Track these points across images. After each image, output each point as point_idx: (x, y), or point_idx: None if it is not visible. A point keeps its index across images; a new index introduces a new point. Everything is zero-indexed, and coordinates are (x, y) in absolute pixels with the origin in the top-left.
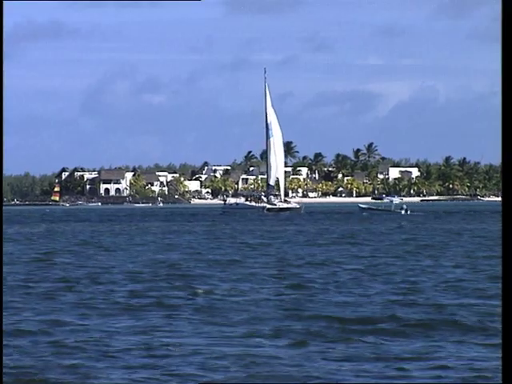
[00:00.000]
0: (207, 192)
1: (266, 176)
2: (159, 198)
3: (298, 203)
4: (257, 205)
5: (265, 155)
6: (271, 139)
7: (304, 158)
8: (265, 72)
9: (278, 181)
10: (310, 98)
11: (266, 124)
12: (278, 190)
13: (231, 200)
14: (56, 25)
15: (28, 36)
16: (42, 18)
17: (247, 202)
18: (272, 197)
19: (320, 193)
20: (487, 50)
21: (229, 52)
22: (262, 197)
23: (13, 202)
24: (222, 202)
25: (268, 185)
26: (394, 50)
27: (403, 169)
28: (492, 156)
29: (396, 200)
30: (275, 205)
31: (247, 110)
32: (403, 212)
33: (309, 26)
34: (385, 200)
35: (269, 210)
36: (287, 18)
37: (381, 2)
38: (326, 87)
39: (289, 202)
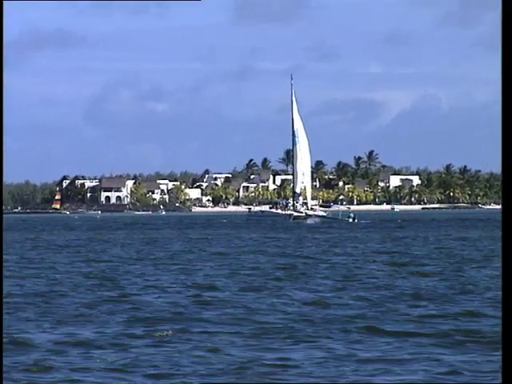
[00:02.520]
0: (208, 200)
1: (266, 184)
2: (161, 206)
3: (325, 211)
4: (283, 212)
5: (266, 163)
6: (297, 146)
7: None
8: (291, 79)
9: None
10: (314, 107)
11: (293, 131)
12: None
13: (256, 207)
14: (62, 33)
15: (34, 44)
16: (48, 26)
17: (273, 210)
18: (298, 204)
19: (321, 201)
20: (494, 58)
21: (233, 60)
22: (289, 204)
23: (16, 210)
24: (247, 210)
25: (294, 192)
26: (400, 58)
27: (404, 177)
28: (493, 164)
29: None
30: (301, 212)
31: (250, 118)
32: (351, 220)
33: (313, 34)
34: (333, 208)
35: (295, 217)
36: (292, 27)
37: (387, 10)
38: (331, 96)
39: (315, 210)
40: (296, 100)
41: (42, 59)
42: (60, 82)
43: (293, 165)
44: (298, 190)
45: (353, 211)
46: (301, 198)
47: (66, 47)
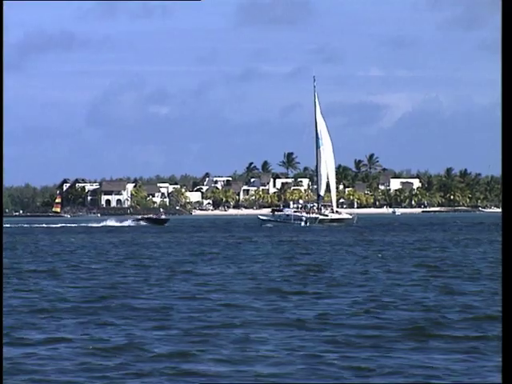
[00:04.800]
0: (208, 203)
1: (267, 187)
2: (161, 210)
3: (350, 214)
4: (308, 215)
5: (266, 166)
6: (321, 148)
7: (305, 169)
8: (314, 81)
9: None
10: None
11: (316, 133)
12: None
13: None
14: (66, 36)
15: (38, 47)
16: (52, 28)
17: (297, 213)
18: (323, 207)
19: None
20: (497, 62)
21: (237, 63)
22: (314, 207)
23: (17, 214)
24: (271, 213)
25: (318, 195)
26: (403, 61)
27: (404, 180)
28: (493, 167)
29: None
30: (327, 215)
31: (252, 121)
32: (302, 224)
33: (317, 37)
34: (285, 211)
35: (321, 221)
36: (296, 30)
37: (392, 13)
38: (333, 99)
39: (340, 213)
40: (319, 102)
41: (46, 62)
42: (63, 85)
43: (316, 167)
44: (321, 193)
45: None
46: (300, 201)
47: (70, 50)
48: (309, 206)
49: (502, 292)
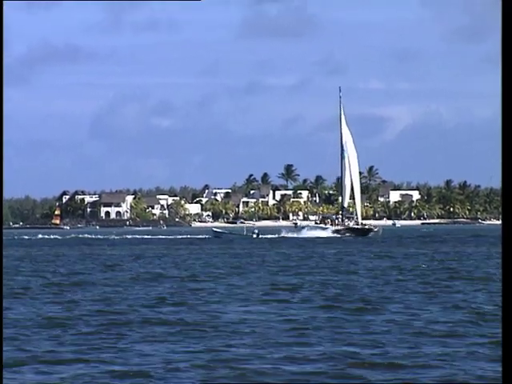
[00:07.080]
0: (208, 215)
1: (266, 199)
2: (161, 221)
3: (375, 226)
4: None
5: (266, 178)
6: (346, 159)
7: (305, 181)
8: (340, 91)
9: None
10: (318, 122)
11: (341, 144)
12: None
13: (303, 222)
14: (72, 48)
15: (43, 59)
16: (57, 41)
17: (322, 225)
18: (346, 219)
19: (321, 216)
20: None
21: (241, 75)
22: (339, 219)
23: (17, 225)
24: (293, 225)
25: (342, 207)
26: (407, 74)
27: (404, 192)
28: (495, 179)
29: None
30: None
31: (255, 133)
32: (255, 236)
33: (322, 49)
34: (238, 224)
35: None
36: (300, 42)
37: (396, 25)
38: (337, 111)
39: (364, 225)
40: (344, 113)
41: (50, 74)
42: (66, 97)
43: (341, 179)
44: (345, 204)
45: (257, 227)
46: (298, 213)
47: (75, 62)
48: (332, 217)
49: (502, 296)
